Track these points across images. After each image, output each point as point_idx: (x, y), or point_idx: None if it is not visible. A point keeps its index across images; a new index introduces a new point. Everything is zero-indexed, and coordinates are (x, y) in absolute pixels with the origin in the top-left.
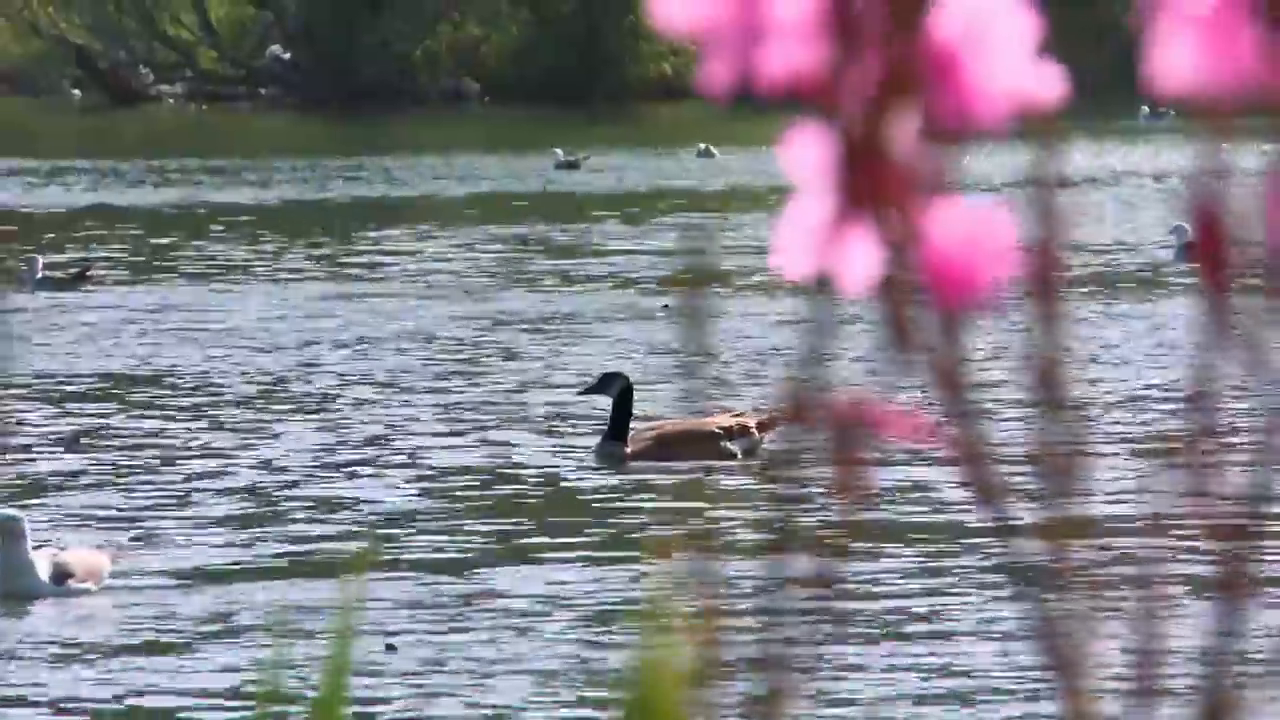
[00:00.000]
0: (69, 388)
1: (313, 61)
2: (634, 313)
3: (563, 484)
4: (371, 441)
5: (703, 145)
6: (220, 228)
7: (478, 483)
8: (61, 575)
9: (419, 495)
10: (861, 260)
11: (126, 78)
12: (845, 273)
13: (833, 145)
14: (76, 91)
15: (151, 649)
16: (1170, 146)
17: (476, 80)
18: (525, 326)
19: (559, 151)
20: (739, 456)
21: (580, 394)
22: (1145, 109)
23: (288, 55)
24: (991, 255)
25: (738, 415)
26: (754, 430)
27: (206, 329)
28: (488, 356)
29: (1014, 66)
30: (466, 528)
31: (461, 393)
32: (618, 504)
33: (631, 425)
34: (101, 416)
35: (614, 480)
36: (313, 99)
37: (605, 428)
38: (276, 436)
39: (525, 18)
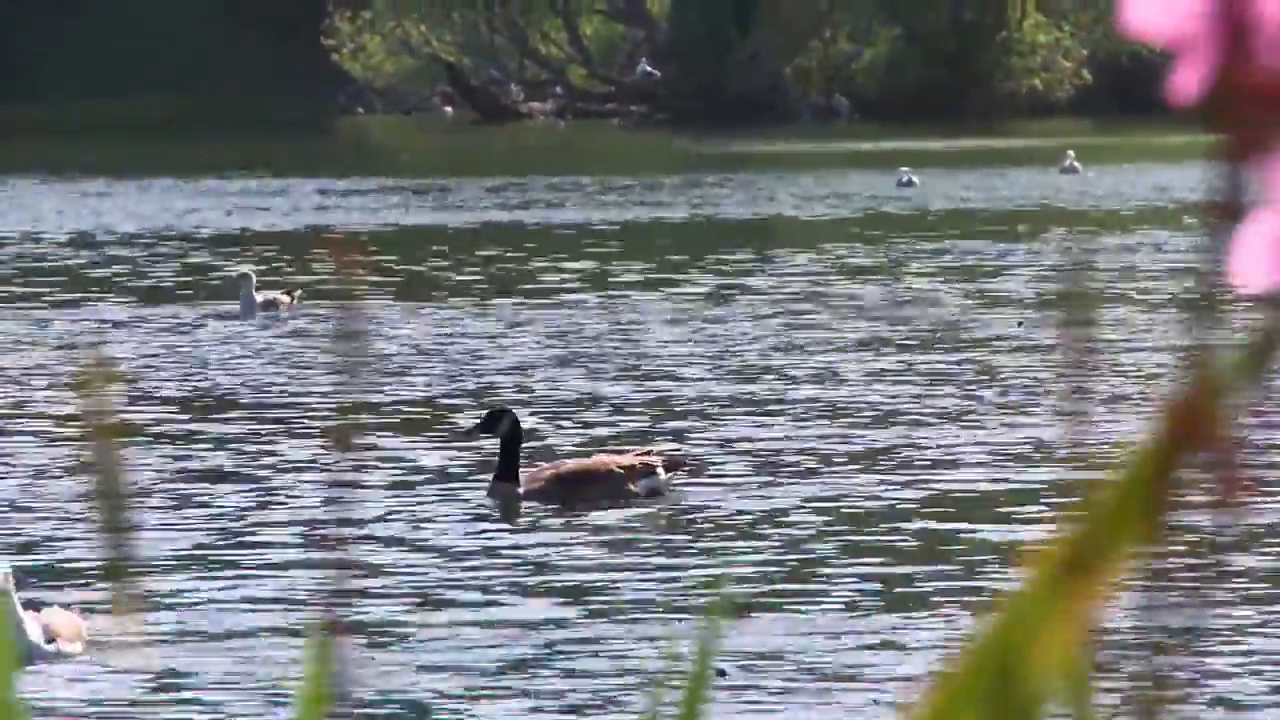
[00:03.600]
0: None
1: (682, 78)
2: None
3: None
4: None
5: (1068, 161)
6: (585, 245)
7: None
8: (49, 637)
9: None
10: None
11: (496, 95)
12: None
13: None
14: (448, 109)
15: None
16: None
17: (847, 96)
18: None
19: (904, 171)
20: (641, 497)
21: (466, 434)
22: None
23: (657, 72)
24: None
25: (642, 454)
26: (659, 470)
27: (542, 347)
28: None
29: None
30: None
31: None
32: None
33: (522, 464)
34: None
35: None
36: (681, 115)
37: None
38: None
39: (896, 34)
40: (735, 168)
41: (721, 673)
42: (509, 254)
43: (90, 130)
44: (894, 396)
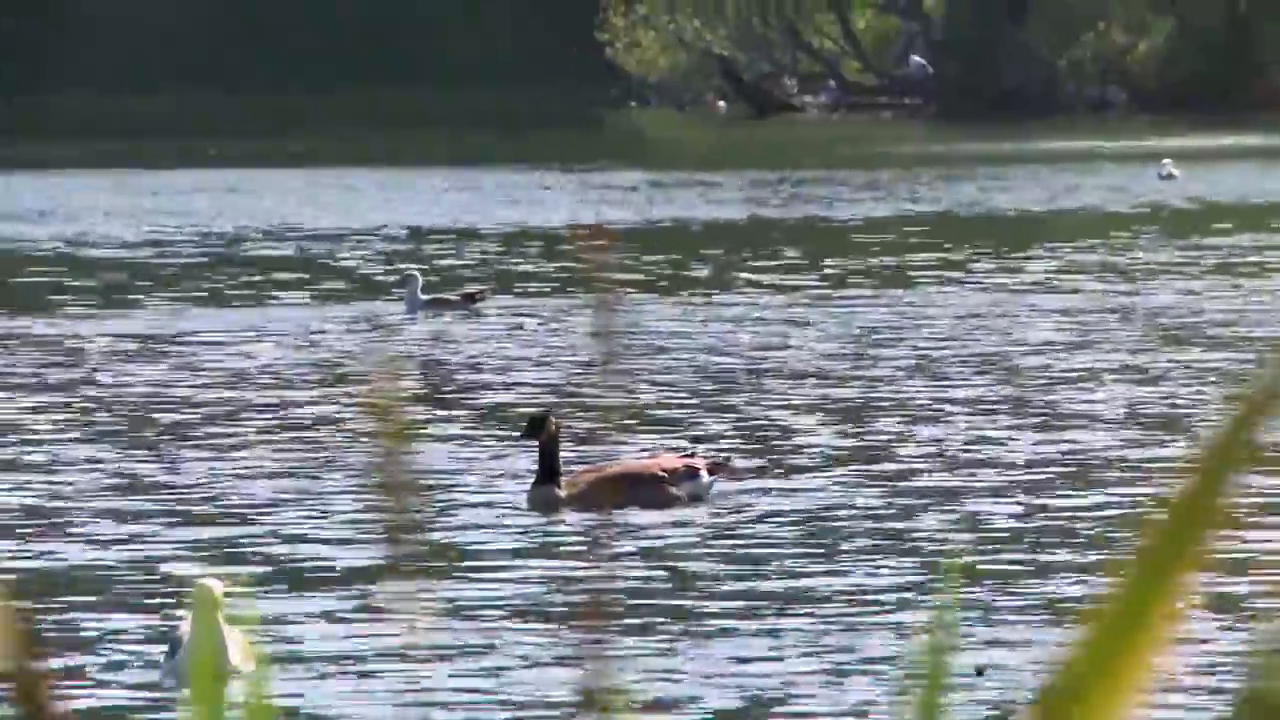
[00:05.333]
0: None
1: (955, 70)
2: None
3: None
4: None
5: None
6: (854, 237)
7: None
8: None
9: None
10: None
11: (770, 89)
12: None
13: None
14: (721, 103)
15: None
16: None
17: (1122, 88)
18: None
19: (1165, 163)
20: (685, 500)
21: (516, 440)
22: None
23: (929, 65)
24: None
25: (686, 457)
26: (703, 473)
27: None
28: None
29: None
30: None
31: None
32: None
33: (567, 467)
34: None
35: None
36: (954, 107)
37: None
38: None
39: (1171, 25)
40: (1004, 161)
41: (980, 671)
42: (784, 246)
43: (364, 121)
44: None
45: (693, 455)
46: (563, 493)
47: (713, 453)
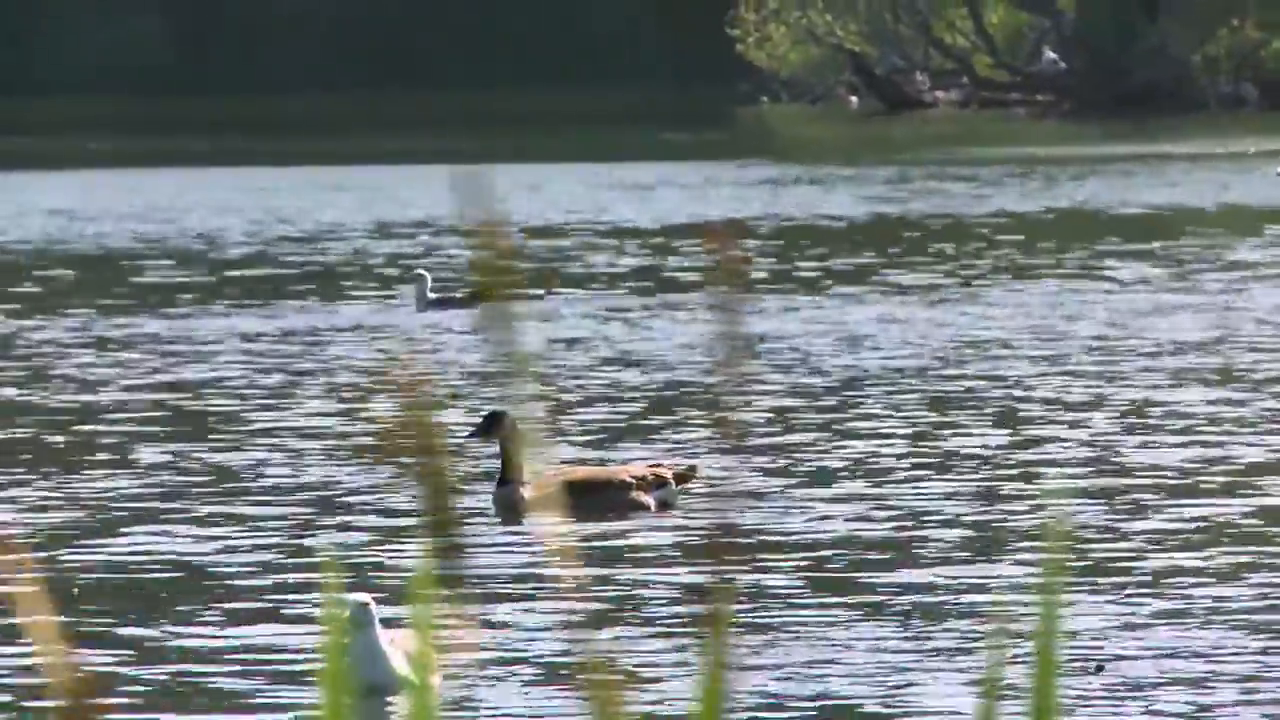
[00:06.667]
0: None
1: (1087, 66)
2: None
3: None
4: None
5: None
6: (987, 233)
7: None
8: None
9: None
10: None
11: (901, 84)
12: None
13: None
14: (853, 98)
15: None
16: None
17: (1255, 84)
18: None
19: None
20: (652, 508)
21: (468, 438)
22: None
23: (1062, 61)
24: None
25: (654, 465)
26: (671, 481)
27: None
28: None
29: None
30: None
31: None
32: None
33: (528, 466)
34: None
35: None
36: (1087, 103)
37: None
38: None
39: None
40: (1137, 158)
41: (1100, 668)
42: (916, 243)
43: (503, 120)
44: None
45: (659, 465)
46: (527, 494)
47: (679, 461)
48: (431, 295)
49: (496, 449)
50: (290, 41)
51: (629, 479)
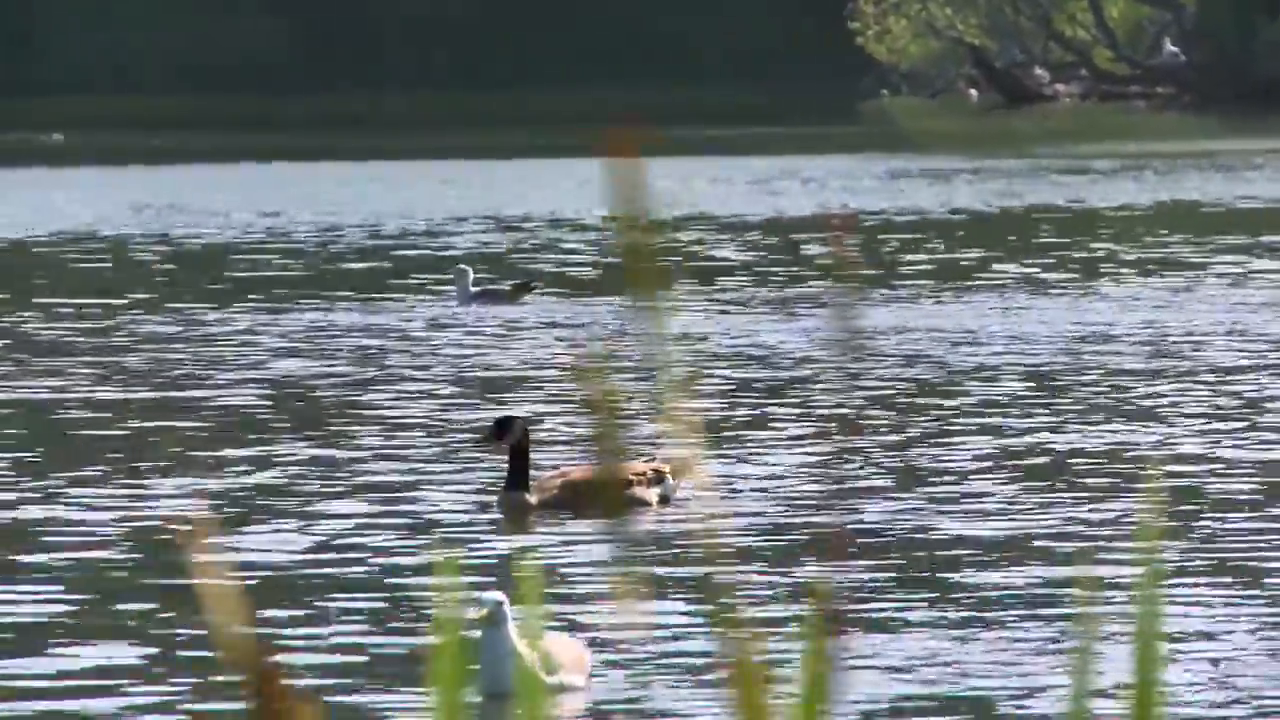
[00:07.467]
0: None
1: (1208, 59)
2: None
3: None
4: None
5: None
6: (1110, 227)
7: None
8: (550, 670)
9: None
10: None
11: (1021, 77)
12: None
13: None
14: (973, 92)
15: None
16: None
17: None
18: None
19: None
20: (654, 504)
21: (478, 444)
22: None
23: (1182, 54)
24: None
25: (651, 461)
26: (669, 476)
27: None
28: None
29: None
30: None
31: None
32: None
33: (533, 473)
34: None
35: None
36: (1207, 97)
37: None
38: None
39: None
40: (1258, 152)
41: None
42: (1039, 235)
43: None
44: None
45: (656, 460)
46: (533, 499)
47: (673, 457)
48: (474, 289)
49: (505, 454)
50: (408, 42)
51: (630, 476)
